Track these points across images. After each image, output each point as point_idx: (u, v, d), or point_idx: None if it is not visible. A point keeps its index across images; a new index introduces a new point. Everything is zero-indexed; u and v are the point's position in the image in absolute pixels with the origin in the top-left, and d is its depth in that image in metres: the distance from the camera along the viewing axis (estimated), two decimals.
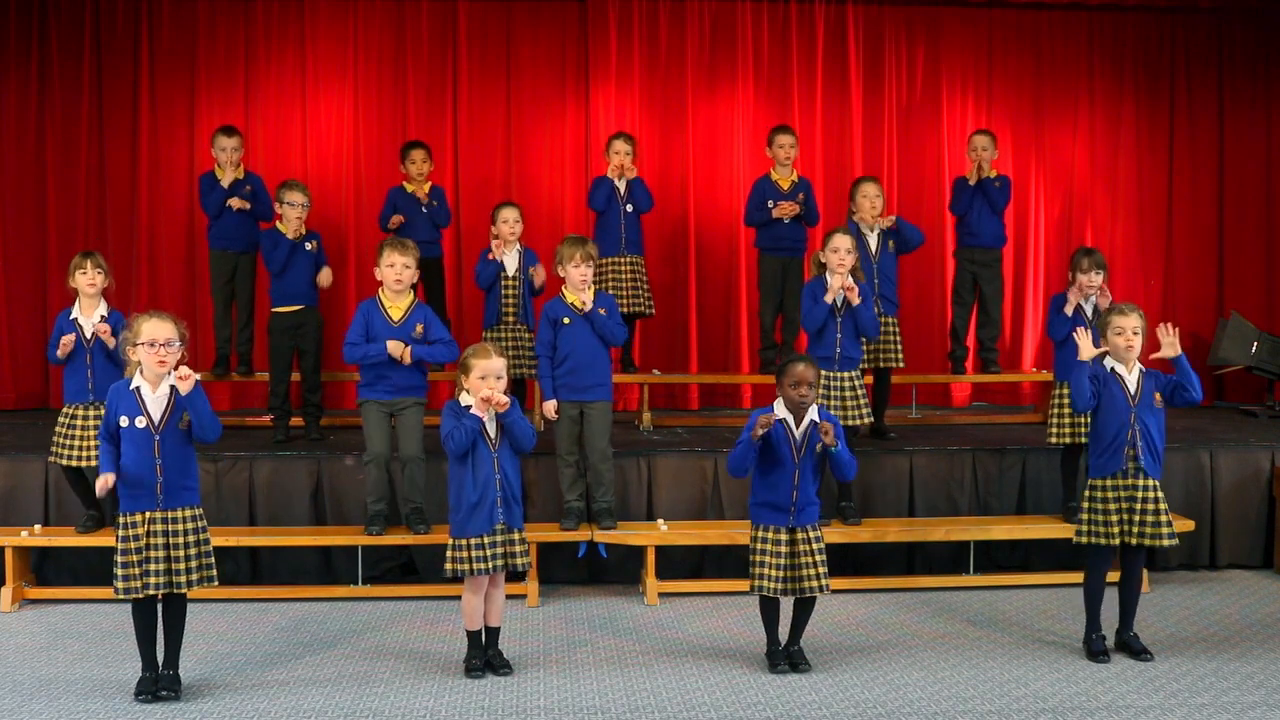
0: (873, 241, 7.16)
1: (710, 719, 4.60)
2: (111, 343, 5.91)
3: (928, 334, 8.97)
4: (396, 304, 6.12)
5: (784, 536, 5.05)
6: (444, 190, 8.16)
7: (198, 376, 4.70)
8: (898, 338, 7.16)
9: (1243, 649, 5.45)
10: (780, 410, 5.05)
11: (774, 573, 5.03)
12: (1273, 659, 5.30)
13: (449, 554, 5.02)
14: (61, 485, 6.47)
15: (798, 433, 5.04)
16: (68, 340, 6.01)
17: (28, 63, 8.68)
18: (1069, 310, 6.33)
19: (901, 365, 7.23)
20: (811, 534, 5.07)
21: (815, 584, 5.05)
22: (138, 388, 4.69)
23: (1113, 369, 5.26)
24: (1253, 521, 6.93)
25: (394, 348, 5.94)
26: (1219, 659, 5.30)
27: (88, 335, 6.05)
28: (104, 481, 4.61)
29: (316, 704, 4.73)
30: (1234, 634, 5.69)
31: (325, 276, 7.22)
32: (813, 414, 5.06)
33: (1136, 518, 5.20)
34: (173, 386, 4.69)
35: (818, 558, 5.06)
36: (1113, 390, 5.23)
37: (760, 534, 5.10)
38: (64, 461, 6.05)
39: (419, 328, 6.11)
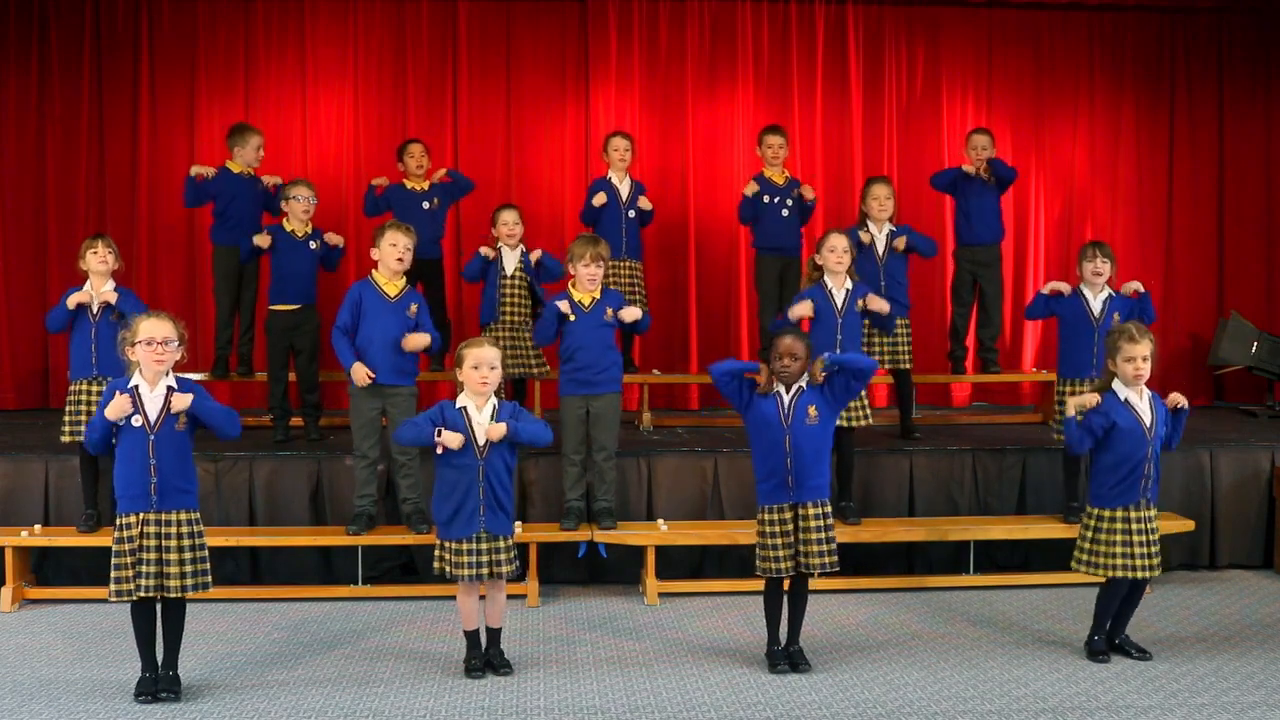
0: (880, 244, 7.18)
1: (710, 719, 4.60)
2: (113, 297, 6.05)
3: (928, 334, 8.96)
4: (393, 282, 6.12)
5: (788, 515, 5.04)
6: (444, 183, 8.06)
7: (189, 400, 4.70)
8: (909, 339, 7.19)
9: (1243, 649, 5.45)
10: (772, 387, 5.08)
11: (781, 553, 5.02)
12: (1273, 659, 5.30)
13: (436, 552, 5.04)
14: (61, 485, 6.48)
15: (785, 399, 5.05)
16: (77, 296, 6.06)
17: (28, 63, 8.69)
18: (1047, 289, 6.45)
19: (907, 366, 7.28)
20: (812, 510, 5.04)
21: (808, 560, 5.02)
22: (135, 386, 4.69)
23: (1126, 399, 5.17)
24: (1253, 521, 6.93)
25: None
26: (1219, 659, 5.30)
27: (95, 309, 6.09)
28: (122, 401, 4.62)
29: (316, 704, 4.73)
30: (1234, 634, 5.69)
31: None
32: (800, 381, 5.08)
33: (1145, 549, 5.15)
34: (170, 387, 4.69)
35: (816, 535, 5.02)
36: (1130, 422, 5.14)
37: (764, 516, 5.07)
38: (80, 439, 6.03)
39: (413, 307, 6.10)
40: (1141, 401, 5.17)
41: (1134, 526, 5.15)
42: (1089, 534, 5.24)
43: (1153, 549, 5.18)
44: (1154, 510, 5.21)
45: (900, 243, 7.21)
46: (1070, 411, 5.24)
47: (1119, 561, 5.16)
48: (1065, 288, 6.42)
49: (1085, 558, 5.24)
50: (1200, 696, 4.82)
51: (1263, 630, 5.75)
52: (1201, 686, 4.94)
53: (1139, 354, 5.12)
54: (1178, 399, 5.24)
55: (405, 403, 6.12)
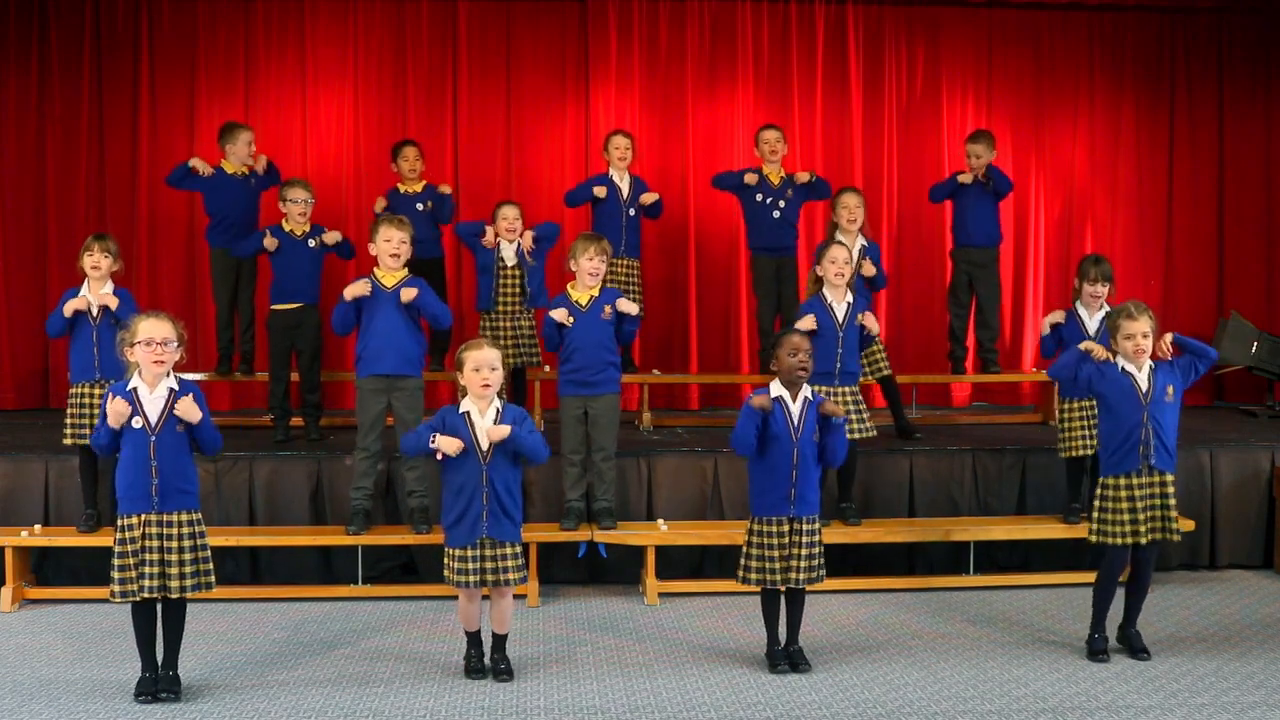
0: (853, 256, 7.13)
1: (710, 719, 4.60)
2: (114, 303, 6.03)
3: (928, 334, 8.97)
4: (392, 274, 6.12)
5: (785, 528, 5.05)
6: (435, 187, 8.07)
7: (197, 416, 4.70)
8: (881, 349, 7.22)
9: (1243, 649, 5.45)
10: (776, 389, 5.08)
11: (773, 564, 5.03)
12: (1273, 659, 5.30)
13: (445, 560, 5.00)
14: (61, 485, 6.48)
15: (794, 408, 5.05)
16: (73, 303, 6.04)
17: (28, 63, 8.68)
18: (1046, 327, 6.36)
19: (887, 373, 7.29)
20: (806, 525, 5.06)
21: (800, 576, 5.04)
22: (135, 389, 4.68)
23: (1123, 368, 5.24)
24: (1253, 521, 6.93)
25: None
26: (1219, 659, 5.30)
27: (94, 313, 6.08)
28: (119, 406, 4.61)
29: (316, 704, 4.73)
30: (1234, 634, 5.69)
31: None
32: (806, 392, 5.10)
33: (1146, 514, 5.19)
34: (171, 389, 4.69)
35: (807, 550, 5.05)
36: (1124, 389, 5.21)
37: (759, 526, 5.08)
38: (82, 441, 6.03)
39: (414, 291, 6.10)
40: (1140, 372, 5.22)
41: (1137, 493, 5.19)
42: (1098, 503, 5.31)
43: (1157, 513, 5.20)
44: (1162, 476, 5.20)
45: (867, 267, 7.04)
46: (1087, 346, 5.41)
47: (1114, 529, 5.22)
48: (1059, 316, 6.37)
49: (1096, 526, 5.31)
50: (1200, 696, 4.82)
51: (1263, 630, 5.75)
52: (1201, 686, 4.94)
53: (1138, 330, 5.17)
54: (1167, 343, 5.29)
55: (411, 396, 6.12)
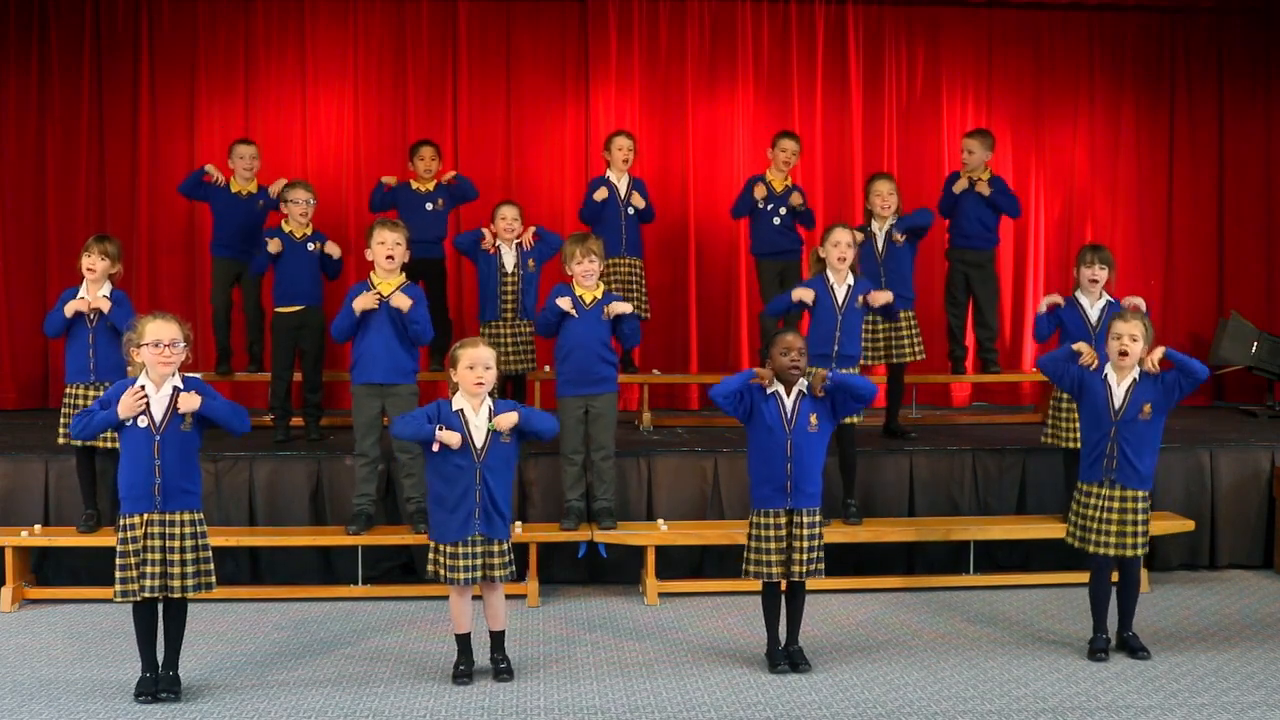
0: (879, 239, 7.16)
1: (710, 719, 4.60)
2: (106, 306, 6.01)
3: (927, 334, 8.87)
4: (387, 281, 6.11)
5: (783, 520, 5.06)
6: (450, 185, 8.02)
7: (197, 402, 4.70)
8: (915, 331, 7.15)
9: (1243, 649, 5.45)
10: (773, 385, 5.09)
11: (773, 557, 5.04)
12: (1273, 659, 5.30)
13: (429, 555, 5.01)
14: (61, 485, 6.48)
15: (788, 403, 5.06)
16: (74, 304, 6.02)
17: (28, 63, 8.69)
18: (1044, 307, 6.32)
19: (921, 358, 7.25)
20: (807, 519, 5.06)
21: (801, 569, 5.05)
22: (142, 386, 4.69)
23: (1105, 377, 5.27)
24: (1253, 521, 6.93)
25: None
26: (1219, 659, 5.30)
27: (91, 316, 6.08)
28: (138, 396, 4.61)
29: (316, 704, 4.73)
30: (1234, 634, 5.69)
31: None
32: (800, 386, 5.11)
33: (1109, 527, 5.22)
34: (176, 388, 4.70)
35: (808, 543, 5.05)
36: (1098, 401, 5.26)
37: (759, 519, 5.09)
38: (76, 441, 6.02)
39: (409, 301, 6.08)
40: (1119, 385, 5.23)
41: (1095, 503, 5.27)
42: (1074, 506, 5.40)
43: (1121, 528, 5.20)
44: (1123, 491, 5.21)
45: (899, 237, 7.19)
46: (1078, 348, 5.43)
47: (1086, 536, 5.31)
48: (1059, 299, 6.33)
49: (1069, 529, 5.42)
50: (1200, 696, 4.82)
51: (1263, 630, 5.76)
52: (1201, 686, 4.95)
53: (1125, 331, 5.20)
54: (1155, 359, 5.22)
55: (404, 402, 6.11)
